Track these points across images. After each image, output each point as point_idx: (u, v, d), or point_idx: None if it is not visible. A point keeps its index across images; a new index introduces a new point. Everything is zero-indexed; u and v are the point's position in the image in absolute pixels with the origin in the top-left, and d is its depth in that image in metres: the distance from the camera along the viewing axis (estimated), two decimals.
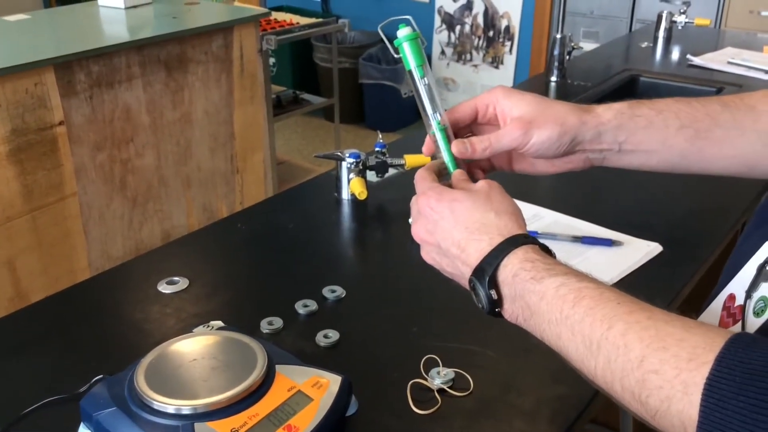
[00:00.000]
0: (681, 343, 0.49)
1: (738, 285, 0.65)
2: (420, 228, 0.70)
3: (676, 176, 1.44)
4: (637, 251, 1.09)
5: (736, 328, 0.62)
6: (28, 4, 5.39)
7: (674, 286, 1.01)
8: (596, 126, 0.73)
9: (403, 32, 0.73)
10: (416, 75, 0.73)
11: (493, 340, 0.89)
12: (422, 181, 0.71)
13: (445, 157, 0.74)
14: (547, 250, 0.64)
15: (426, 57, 0.75)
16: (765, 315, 0.60)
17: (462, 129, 0.76)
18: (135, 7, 2.71)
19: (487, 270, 0.63)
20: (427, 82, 0.73)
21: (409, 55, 0.73)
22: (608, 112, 0.74)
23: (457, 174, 0.72)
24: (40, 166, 2.12)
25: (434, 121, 0.73)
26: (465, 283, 0.66)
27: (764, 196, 0.71)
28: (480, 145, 0.72)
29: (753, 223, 0.70)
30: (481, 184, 0.69)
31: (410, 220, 0.72)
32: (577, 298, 0.57)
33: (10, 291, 2.11)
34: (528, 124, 0.72)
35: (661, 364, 0.49)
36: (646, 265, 1.06)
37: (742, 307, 0.62)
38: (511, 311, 0.63)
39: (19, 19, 2.60)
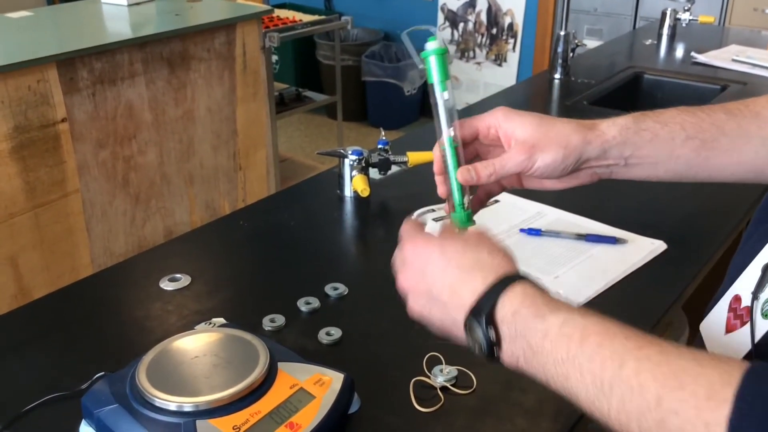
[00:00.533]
0: (698, 380, 0.48)
1: (743, 286, 0.64)
2: (407, 276, 0.67)
3: None
4: (642, 249, 1.08)
5: (745, 330, 0.62)
6: (30, 1, 5.39)
7: (678, 284, 1.01)
8: (601, 144, 0.73)
9: (432, 45, 0.72)
10: (438, 90, 0.73)
11: None
12: (409, 229, 0.70)
13: (451, 174, 0.74)
14: (541, 288, 0.63)
15: (450, 73, 0.74)
16: None
17: (464, 147, 0.76)
18: (137, 4, 2.71)
19: (484, 308, 0.60)
20: (447, 98, 0.73)
21: (434, 69, 0.73)
22: (612, 129, 0.74)
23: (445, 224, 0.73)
24: (42, 163, 2.12)
25: (447, 137, 0.73)
26: (458, 332, 0.63)
27: (766, 194, 0.70)
28: (485, 172, 0.72)
29: (755, 222, 0.70)
30: (472, 230, 0.69)
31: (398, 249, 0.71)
32: (583, 335, 0.55)
33: (12, 288, 2.11)
34: (531, 148, 0.72)
35: (680, 404, 0.48)
36: (650, 263, 1.06)
37: (750, 309, 0.62)
38: (510, 352, 0.60)
39: (22, 16, 2.60)
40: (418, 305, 0.67)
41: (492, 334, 0.60)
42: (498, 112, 0.75)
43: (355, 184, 1.22)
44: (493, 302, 0.60)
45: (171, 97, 2.45)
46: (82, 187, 2.24)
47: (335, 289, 0.99)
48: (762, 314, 0.60)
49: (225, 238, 1.17)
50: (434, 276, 0.64)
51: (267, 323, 0.91)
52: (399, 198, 1.27)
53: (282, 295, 0.98)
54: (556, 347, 0.56)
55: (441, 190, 0.75)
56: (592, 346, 0.54)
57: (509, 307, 0.60)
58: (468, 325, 0.61)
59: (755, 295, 0.62)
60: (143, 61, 2.33)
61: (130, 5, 2.68)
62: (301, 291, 0.98)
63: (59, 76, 2.11)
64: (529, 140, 0.72)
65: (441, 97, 0.73)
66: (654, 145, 0.74)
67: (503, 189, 0.79)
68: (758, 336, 0.61)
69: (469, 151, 0.77)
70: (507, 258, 0.64)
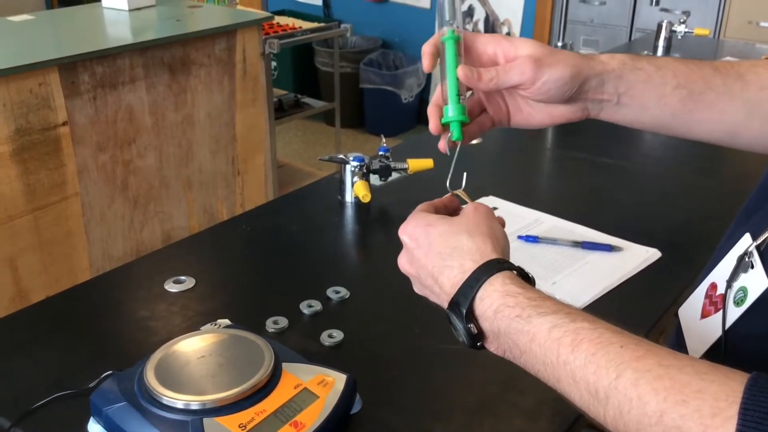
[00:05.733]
0: (700, 395, 0.47)
1: (719, 274, 0.66)
2: (402, 258, 0.67)
3: (675, 182, 1.45)
4: (636, 257, 1.10)
5: (718, 316, 0.64)
6: (29, 5, 5.40)
7: (672, 292, 1.03)
8: (602, 72, 0.72)
9: None
10: None
11: None
12: (415, 211, 0.68)
13: (449, 67, 0.69)
14: (525, 276, 0.61)
15: None
16: (745, 304, 0.61)
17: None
18: (138, 9, 2.73)
19: (462, 303, 0.59)
20: None
21: None
22: (613, 61, 0.73)
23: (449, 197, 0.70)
24: (42, 165, 2.13)
25: (448, 29, 0.70)
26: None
27: (748, 198, 0.72)
28: (487, 75, 0.69)
29: (736, 222, 0.71)
30: (468, 208, 0.66)
31: None
32: (574, 341, 0.53)
33: (11, 290, 2.12)
34: (538, 61, 0.69)
35: (683, 420, 0.47)
36: (645, 271, 1.08)
37: (723, 296, 0.64)
38: (496, 346, 0.59)
39: (23, 20, 2.61)
40: (415, 287, 0.68)
41: (473, 328, 0.59)
42: (497, 35, 0.72)
43: (356, 190, 1.24)
44: (472, 296, 0.58)
45: (171, 101, 2.46)
46: (82, 191, 2.25)
47: (337, 292, 1.01)
48: (734, 302, 0.62)
49: (228, 242, 1.19)
50: (419, 261, 0.64)
51: (270, 325, 0.93)
52: (399, 204, 1.29)
53: (284, 297, 1.00)
54: (545, 351, 0.55)
55: (427, 64, 0.70)
56: (584, 353, 0.53)
57: (489, 303, 0.58)
58: (448, 317, 0.61)
59: (729, 284, 0.63)
60: (144, 65, 2.35)
61: (131, 10, 2.70)
62: (304, 294, 1.00)
63: (61, 80, 2.12)
64: (536, 54, 0.69)
65: None
66: (646, 86, 0.73)
67: (492, 125, 0.76)
68: (729, 322, 0.62)
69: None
70: (489, 240, 0.62)
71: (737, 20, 3.21)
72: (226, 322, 0.87)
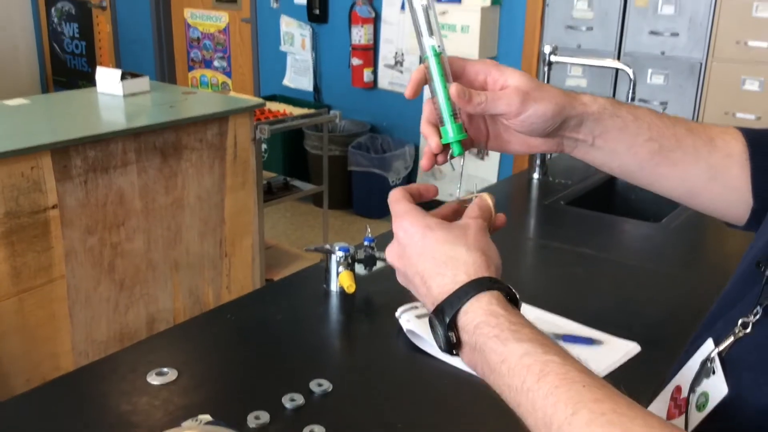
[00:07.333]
0: None
1: (684, 378, 0.67)
2: (392, 251, 0.69)
3: (654, 273, 1.48)
4: (616, 351, 1.12)
5: (681, 419, 0.64)
6: (24, 88, 5.54)
7: (650, 388, 1.03)
8: (582, 114, 0.74)
9: None
10: None
11: None
12: (397, 203, 0.69)
13: (438, 85, 0.70)
14: (513, 299, 0.63)
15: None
16: (706, 410, 0.61)
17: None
18: (133, 95, 2.80)
19: (447, 312, 0.61)
20: (425, 3, 0.70)
21: None
22: (594, 104, 0.75)
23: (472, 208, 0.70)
24: (30, 248, 2.14)
25: (428, 45, 0.69)
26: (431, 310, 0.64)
27: (713, 304, 0.74)
28: (476, 98, 0.70)
29: (702, 327, 0.73)
30: (465, 220, 0.68)
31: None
32: (542, 371, 0.56)
33: None
34: (526, 94, 0.71)
35: None
36: (625, 365, 1.09)
37: (687, 400, 0.64)
38: (470, 358, 0.62)
39: (18, 104, 2.67)
40: (400, 279, 0.69)
41: (452, 337, 0.61)
42: (489, 62, 0.74)
43: (341, 280, 1.26)
44: (458, 308, 0.61)
45: (162, 185, 2.50)
46: (68, 273, 2.25)
47: (320, 385, 1.01)
48: (696, 406, 0.63)
49: (212, 332, 1.19)
50: (410, 259, 0.66)
51: (252, 420, 0.93)
52: (384, 293, 1.31)
53: (267, 390, 1.00)
54: (512, 375, 0.57)
55: (408, 91, 0.71)
56: (548, 386, 0.55)
57: (472, 317, 0.60)
58: (431, 321, 0.63)
59: (692, 388, 0.64)
60: (136, 150, 2.40)
61: (125, 96, 2.77)
62: (287, 387, 1.00)
63: (53, 164, 2.16)
64: (524, 88, 0.71)
65: (418, 1, 0.70)
66: (621, 134, 0.75)
67: (471, 146, 0.77)
68: (690, 427, 0.63)
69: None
70: (484, 258, 0.64)
71: (714, 112, 3.33)
72: (207, 418, 0.87)
